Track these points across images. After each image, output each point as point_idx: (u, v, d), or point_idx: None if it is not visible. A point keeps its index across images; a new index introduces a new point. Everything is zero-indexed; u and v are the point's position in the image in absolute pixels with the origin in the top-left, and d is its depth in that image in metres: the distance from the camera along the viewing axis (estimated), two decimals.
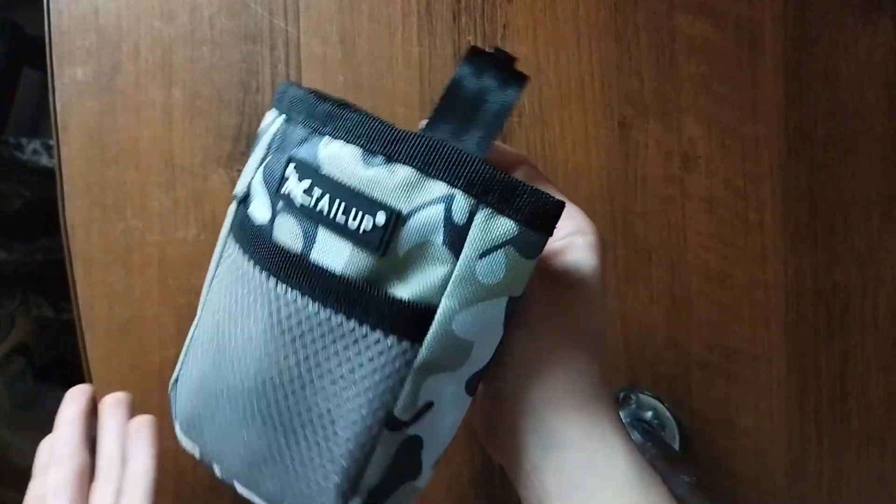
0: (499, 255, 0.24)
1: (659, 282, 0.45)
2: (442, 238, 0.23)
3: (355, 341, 0.24)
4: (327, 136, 0.25)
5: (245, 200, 0.27)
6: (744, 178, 0.45)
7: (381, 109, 0.44)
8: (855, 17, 0.46)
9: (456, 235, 0.23)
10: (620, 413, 0.44)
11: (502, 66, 0.27)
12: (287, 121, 0.26)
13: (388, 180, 0.23)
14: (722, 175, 0.45)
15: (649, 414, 0.45)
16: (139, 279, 0.44)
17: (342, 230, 0.23)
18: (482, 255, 0.24)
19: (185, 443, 0.28)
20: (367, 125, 0.24)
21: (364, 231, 0.23)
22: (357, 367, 0.24)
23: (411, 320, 0.24)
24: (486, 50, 0.27)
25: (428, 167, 0.23)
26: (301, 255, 0.24)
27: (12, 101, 0.95)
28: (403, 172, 0.23)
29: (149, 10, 0.43)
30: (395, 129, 0.24)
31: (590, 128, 0.44)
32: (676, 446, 0.45)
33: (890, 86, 0.46)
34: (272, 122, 0.27)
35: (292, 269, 0.24)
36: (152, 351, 0.44)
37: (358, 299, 0.23)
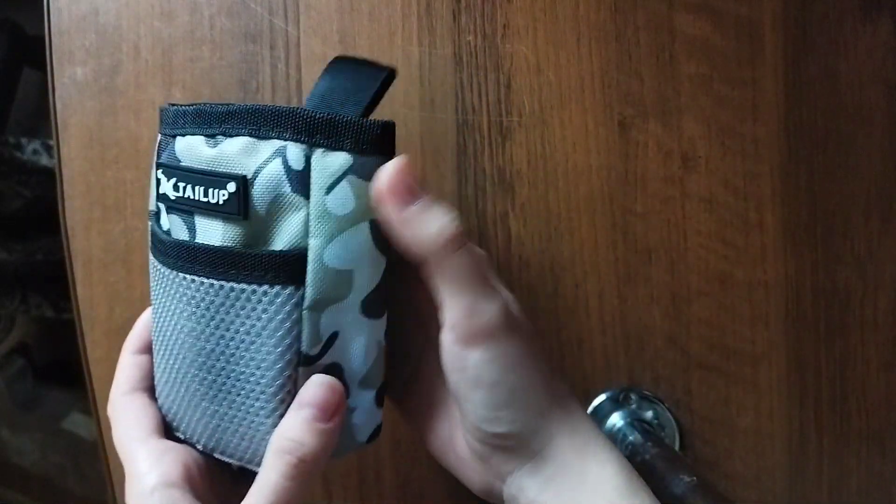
0: (343, 187, 0.26)
1: (659, 282, 0.45)
2: (289, 187, 0.26)
3: (248, 300, 0.27)
4: (178, 136, 0.28)
5: (157, 215, 0.30)
6: (744, 178, 0.45)
7: (381, 109, 0.44)
8: (855, 17, 0.46)
9: (300, 181, 0.26)
10: (620, 413, 0.44)
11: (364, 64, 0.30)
12: (161, 137, 0.30)
13: (229, 153, 0.26)
14: (722, 175, 0.45)
15: (649, 414, 0.45)
16: (139, 279, 0.44)
17: (209, 209, 0.26)
18: (328, 191, 0.26)
19: (176, 432, 0.31)
20: (202, 112, 0.27)
21: (223, 203, 0.26)
22: (257, 321, 0.27)
23: (289, 267, 0.26)
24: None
25: (258, 131, 0.26)
26: (188, 242, 0.27)
27: (12, 101, 0.96)
28: (239, 142, 0.26)
29: (149, 10, 0.43)
30: (226, 107, 0.27)
31: (590, 128, 0.44)
32: (676, 446, 0.45)
33: (890, 86, 0.46)
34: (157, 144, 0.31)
35: (185, 257, 0.27)
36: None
37: (241, 263, 0.26)
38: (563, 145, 0.44)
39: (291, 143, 0.26)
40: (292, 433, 0.26)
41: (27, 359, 1.15)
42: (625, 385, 0.45)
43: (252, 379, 0.27)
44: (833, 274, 0.46)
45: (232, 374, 0.28)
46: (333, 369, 0.28)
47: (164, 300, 0.29)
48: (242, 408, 0.28)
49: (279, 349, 0.27)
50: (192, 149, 0.27)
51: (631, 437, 0.42)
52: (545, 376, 0.29)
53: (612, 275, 0.45)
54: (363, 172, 0.27)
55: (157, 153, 0.30)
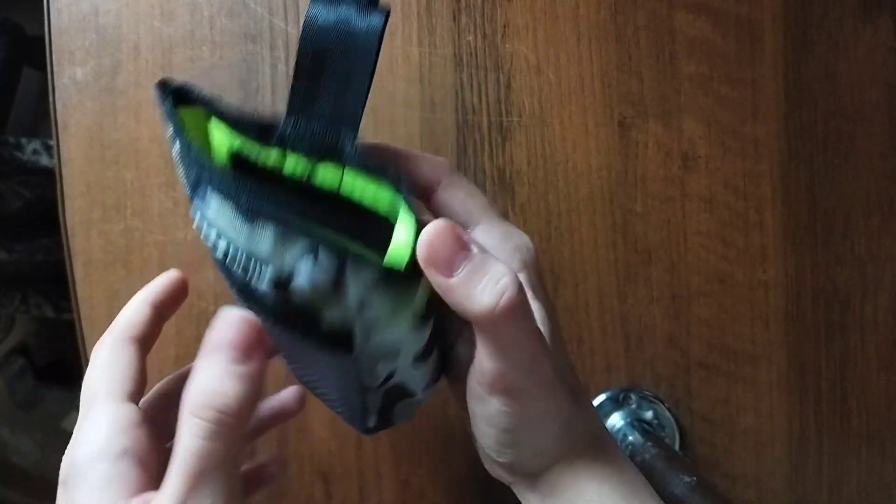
0: (376, 298, 0.23)
1: (659, 282, 0.45)
2: (325, 289, 0.23)
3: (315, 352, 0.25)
4: (208, 187, 0.23)
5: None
6: (744, 178, 0.45)
7: (381, 109, 0.44)
8: (855, 17, 0.46)
9: (336, 283, 0.23)
10: (620, 413, 0.44)
11: None
12: (171, 138, 0.24)
13: (262, 238, 0.22)
14: (722, 175, 0.45)
15: (649, 414, 0.45)
16: (139, 279, 0.44)
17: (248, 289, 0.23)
18: (361, 307, 0.23)
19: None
20: (232, 182, 0.22)
21: (263, 291, 0.23)
22: (325, 367, 0.27)
23: (339, 344, 0.24)
24: None
25: (287, 228, 0.22)
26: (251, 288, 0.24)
27: (12, 101, 0.96)
28: (270, 231, 0.22)
29: (149, 10, 0.43)
30: (257, 189, 0.22)
31: (590, 128, 0.44)
32: (676, 446, 0.45)
33: (890, 86, 0.46)
34: (170, 138, 0.25)
35: (244, 295, 0.24)
36: (152, 351, 0.44)
37: (295, 323, 0.24)
38: (563, 145, 0.44)
39: (322, 247, 0.22)
40: (206, 384, 0.22)
41: (27, 359, 1.15)
42: (625, 385, 0.45)
43: (335, 399, 0.30)
44: (833, 274, 0.46)
45: (319, 393, 0.31)
46: (395, 389, 0.28)
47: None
48: (340, 413, 0.31)
49: (345, 383, 0.27)
50: (226, 216, 0.23)
51: (631, 437, 0.42)
52: (563, 427, 0.27)
53: (612, 275, 0.45)
54: (392, 282, 0.23)
55: (179, 159, 0.24)
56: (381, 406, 0.29)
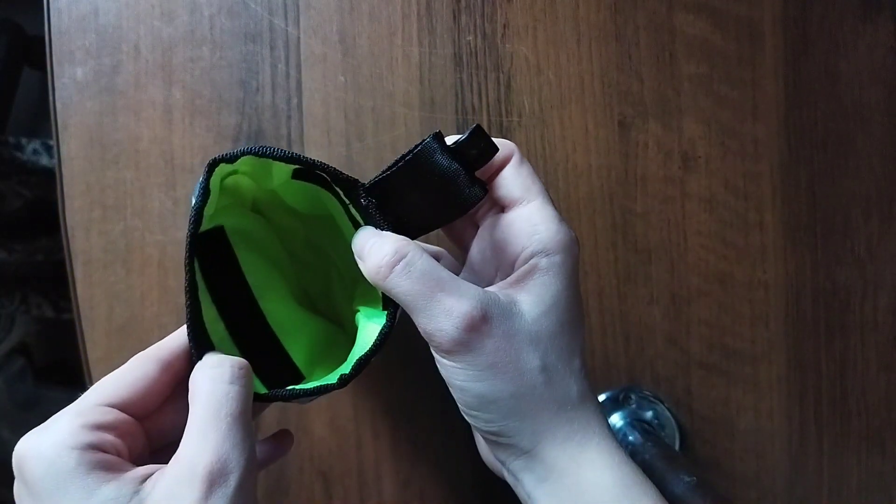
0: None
1: (659, 282, 0.45)
2: None
3: None
4: None
5: None
6: (744, 178, 0.45)
7: (381, 109, 0.44)
8: (855, 17, 0.46)
9: None
10: (620, 413, 0.44)
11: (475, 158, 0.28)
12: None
13: None
14: (722, 175, 0.45)
15: (649, 414, 0.45)
16: (139, 279, 0.44)
17: None
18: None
19: None
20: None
21: None
22: None
23: None
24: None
25: None
26: None
27: (12, 101, 0.95)
28: None
29: (149, 10, 0.43)
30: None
31: (590, 128, 0.44)
32: (676, 446, 0.45)
33: (890, 86, 0.46)
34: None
35: None
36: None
37: None
38: (563, 145, 0.44)
39: None
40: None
41: (27, 359, 1.15)
42: (625, 385, 0.45)
43: None
44: (833, 274, 0.46)
45: None
46: None
47: None
48: None
49: None
50: None
51: (631, 437, 0.42)
52: (533, 379, 0.27)
53: (612, 275, 0.45)
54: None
55: None
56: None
